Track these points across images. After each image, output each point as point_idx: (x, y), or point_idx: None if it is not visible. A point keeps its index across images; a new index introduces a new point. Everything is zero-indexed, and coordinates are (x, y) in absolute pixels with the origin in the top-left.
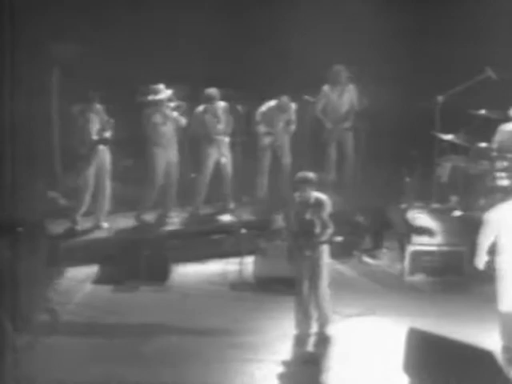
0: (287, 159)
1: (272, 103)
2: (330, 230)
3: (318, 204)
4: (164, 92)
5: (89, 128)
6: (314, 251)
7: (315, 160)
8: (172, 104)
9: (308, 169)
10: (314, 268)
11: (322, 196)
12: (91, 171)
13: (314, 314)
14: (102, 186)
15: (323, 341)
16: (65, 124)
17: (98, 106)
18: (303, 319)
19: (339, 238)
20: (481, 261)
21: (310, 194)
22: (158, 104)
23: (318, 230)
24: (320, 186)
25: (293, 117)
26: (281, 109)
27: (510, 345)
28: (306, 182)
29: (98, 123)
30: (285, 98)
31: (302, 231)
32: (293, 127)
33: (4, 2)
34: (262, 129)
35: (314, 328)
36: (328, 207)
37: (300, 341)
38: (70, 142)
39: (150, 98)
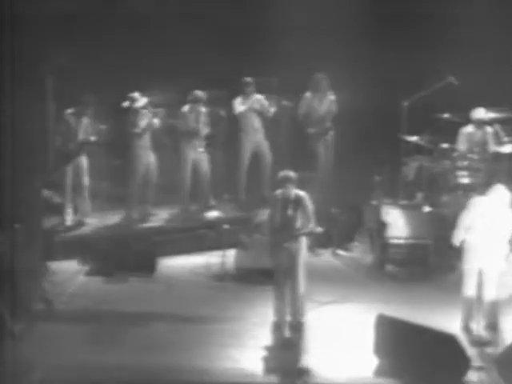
0: (267, 159)
1: (248, 103)
2: (311, 225)
3: (298, 200)
4: (141, 100)
5: (78, 130)
6: (292, 243)
7: (295, 160)
8: (148, 110)
9: (288, 168)
10: (292, 260)
11: (302, 193)
12: (78, 170)
13: (291, 302)
14: (84, 184)
15: (300, 326)
16: (58, 126)
17: (90, 110)
18: (280, 307)
19: (320, 229)
20: (457, 239)
21: (290, 191)
22: (136, 110)
23: (298, 224)
24: (302, 184)
25: (270, 112)
26: (258, 109)
27: (469, 325)
28: (288, 180)
29: (87, 126)
30: (259, 97)
31: (283, 225)
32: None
33: (5, 17)
34: (243, 128)
35: (290, 315)
36: (307, 202)
37: (278, 327)
38: (60, 143)
39: (129, 105)
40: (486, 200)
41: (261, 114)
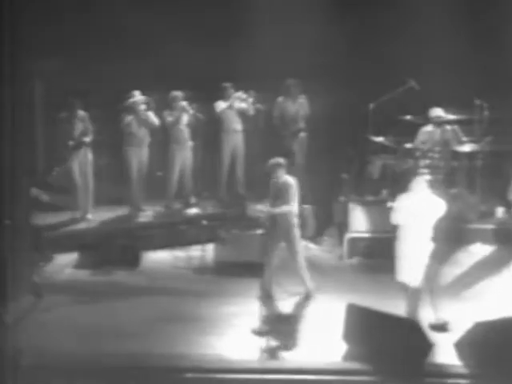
0: (241, 160)
1: (229, 102)
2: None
3: (287, 184)
4: (138, 97)
5: (71, 132)
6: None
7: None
8: (145, 107)
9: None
10: (287, 239)
11: (290, 178)
12: (75, 170)
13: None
14: (84, 182)
15: (278, 315)
16: (48, 129)
17: (81, 113)
18: (268, 289)
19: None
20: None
21: (281, 175)
22: (132, 108)
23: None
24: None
25: (251, 109)
26: (239, 106)
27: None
28: (278, 165)
29: (80, 128)
30: (238, 94)
31: (275, 203)
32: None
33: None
34: (224, 129)
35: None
36: (295, 187)
37: (257, 314)
38: (55, 145)
39: (127, 102)
40: (412, 195)
41: (241, 113)
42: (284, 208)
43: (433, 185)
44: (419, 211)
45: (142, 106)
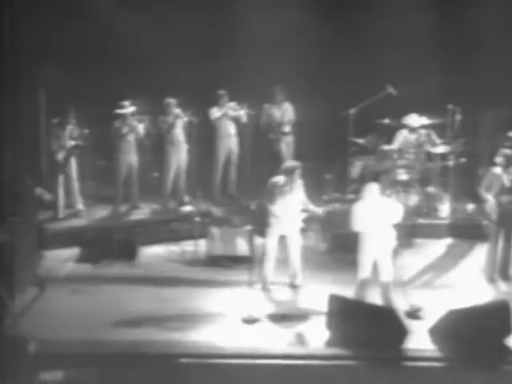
0: (234, 163)
1: (223, 110)
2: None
3: (300, 187)
4: (128, 107)
5: (65, 136)
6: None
7: (261, 160)
8: (135, 117)
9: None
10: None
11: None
12: (68, 171)
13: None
14: (74, 183)
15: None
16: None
17: (72, 118)
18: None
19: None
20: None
21: (297, 178)
22: (123, 117)
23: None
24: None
25: (244, 117)
26: (232, 114)
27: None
28: (296, 169)
29: (72, 132)
30: (232, 104)
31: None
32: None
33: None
34: (218, 134)
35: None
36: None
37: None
38: (50, 149)
39: (118, 111)
40: (366, 201)
41: (235, 119)
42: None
43: (408, 184)
44: (377, 216)
45: (131, 115)
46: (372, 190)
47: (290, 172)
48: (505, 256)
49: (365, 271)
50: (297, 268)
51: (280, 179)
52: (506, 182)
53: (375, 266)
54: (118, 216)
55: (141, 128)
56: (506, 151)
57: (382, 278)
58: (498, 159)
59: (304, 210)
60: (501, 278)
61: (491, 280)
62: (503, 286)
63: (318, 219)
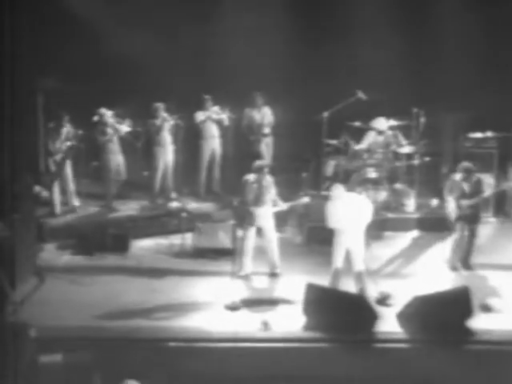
0: (218, 162)
1: (207, 114)
2: (280, 202)
3: (269, 185)
4: (105, 113)
5: (60, 139)
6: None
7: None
8: (114, 121)
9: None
10: (267, 222)
11: (270, 178)
12: (66, 171)
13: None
14: (69, 181)
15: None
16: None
17: (67, 123)
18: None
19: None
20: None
21: (265, 176)
22: (102, 122)
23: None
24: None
25: (226, 121)
26: (215, 118)
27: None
28: (263, 167)
29: (67, 135)
30: (216, 108)
31: (258, 206)
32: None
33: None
34: (203, 136)
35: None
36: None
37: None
38: (48, 150)
39: (98, 118)
40: (336, 201)
41: (218, 122)
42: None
43: (377, 181)
44: (348, 213)
45: (111, 119)
46: (338, 190)
47: (258, 170)
48: (467, 248)
49: (338, 262)
50: (275, 258)
51: (251, 177)
52: (466, 188)
53: (348, 258)
54: (109, 211)
55: (123, 128)
56: (465, 164)
57: (356, 268)
58: (459, 170)
59: (274, 205)
60: (462, 267)
61: (454, 269)
62: (464, 273)
63: (294, 214)
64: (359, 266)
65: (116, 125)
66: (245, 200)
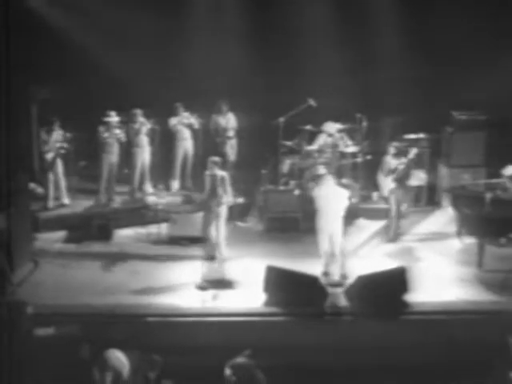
0: (190, 161)
1: (178, 119)
2: (230, 196)
3: (222, 178)
4: (113, 117)
5: (52, 140)
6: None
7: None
8: (117, 125)
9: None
10: (218, 215)
11: (224, 173)
12: (57, 169)
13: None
14: (62, 178)
15: (216, 273)
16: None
17: (58, 127)
18: (212, 254)
19: (240, 199)
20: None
21: (217, 171)
22: (108, 124)
23: (222, 195)
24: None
25: (196, 125)
26: (186, 122)
27: (327, 270)
28: (215, 162)
29: (58, 137)
30: (186, 114)
31: (213, 196)
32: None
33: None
34: (177, 137)
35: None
36: (228, 180)
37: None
38: (41, 151)
39: (104, 119)
40: (322, 187)
41: (189, 126)
42: (226, 197)
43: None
44: (329, 198)
45: (115, 124)
46: (326, 179)
47: (211, 165)
48: (396, 223)
49: (325, 245)
50: (220, 239)
51: (207, 172)
52: (392, 166)
53: (330, 240)
54: (98, 206)
55: (122, 134)
56: (395, 143)
57: (336, 250)
58: (390, 149)
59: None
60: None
61: (389, 241)
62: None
63: (255, 206)
64: (339, 247)
65: (117, 129)
66: (205, 191)
